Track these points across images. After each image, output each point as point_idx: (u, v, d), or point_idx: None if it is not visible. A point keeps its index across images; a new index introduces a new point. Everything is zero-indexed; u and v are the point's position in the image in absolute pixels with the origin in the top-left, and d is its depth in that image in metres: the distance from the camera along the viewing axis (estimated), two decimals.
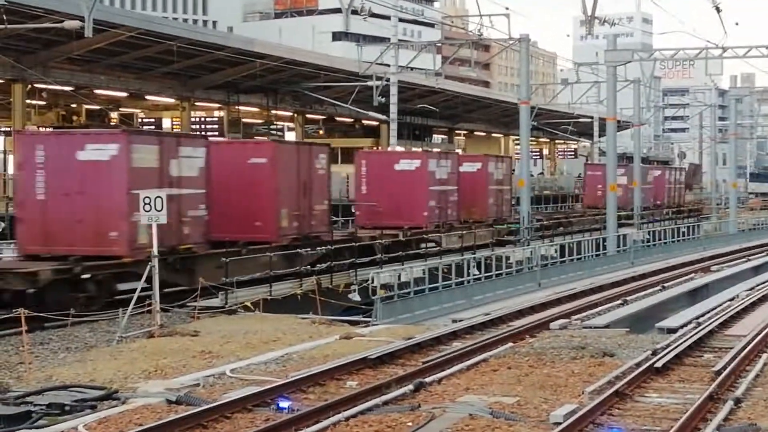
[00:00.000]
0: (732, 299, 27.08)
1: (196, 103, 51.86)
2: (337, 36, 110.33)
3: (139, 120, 53.45)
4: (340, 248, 31.15)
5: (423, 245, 37.31)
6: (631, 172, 59.82)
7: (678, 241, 52.20)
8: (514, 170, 52.21)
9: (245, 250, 27.06)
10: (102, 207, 22.82)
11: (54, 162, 23.17)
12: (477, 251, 35.79)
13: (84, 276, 22.37)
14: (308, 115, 61.51)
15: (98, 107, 48.65)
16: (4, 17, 27.56)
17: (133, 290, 21.47)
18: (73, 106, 49.84)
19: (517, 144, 63.63)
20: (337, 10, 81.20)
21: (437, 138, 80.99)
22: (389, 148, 48.28)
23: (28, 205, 23.47)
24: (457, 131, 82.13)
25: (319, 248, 30.00)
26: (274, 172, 28.72)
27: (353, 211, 41.14)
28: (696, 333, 19.83)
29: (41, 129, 42.62)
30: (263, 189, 28.45)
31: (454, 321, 23.30)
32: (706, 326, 20.87)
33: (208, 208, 25.80)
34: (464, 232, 39.87)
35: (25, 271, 21.63)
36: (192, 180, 25.10)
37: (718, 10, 46.13)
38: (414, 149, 61.60)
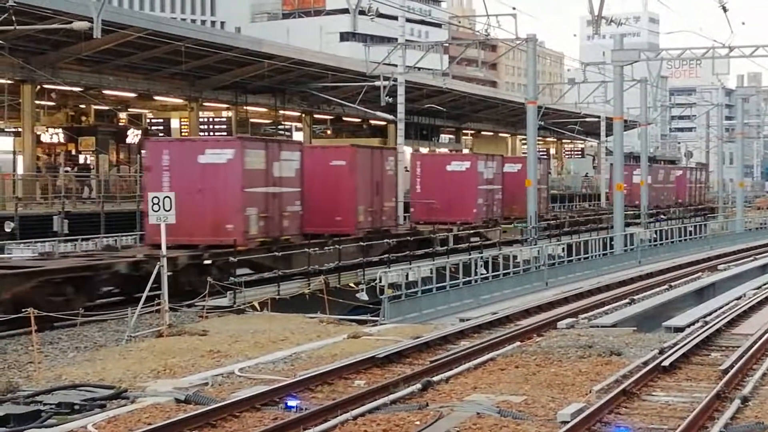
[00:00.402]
0: (739, 298, 27.09)
1: (204, 104, 51.99)
2: (344, 36, 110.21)
3: (148, 120, 53.55)
4: (406, 240, 34.69)
5: (474, 239, 40.26)
6: (654, 171, 60.71)
7: (685, 240, 52.16)
8: (550, 171, 55.47)
9: (330, 242, 30.18)
10: (220, 202, 26.07)
11: (178, 164, 26.35)
12: (484, 250, 35.92)
13: (207, 262, 25.40)
14: (316, 115, 61.59)
15: (107, 108, 48.81)
16: (14, 18, 27.67)
17: (245, 274, 25.13)
18: (82, 106, 50.05)
19: (524, 144, 63.62)
20: (345, 11, 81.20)
21: (444, 138, 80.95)
22: (397, 149, 48.31)
23: None
24: (464, 131, 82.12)
25: (389, 240, 33.57)
26: (353, 173, 32.43)
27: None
28: (703, 332, 19.85)
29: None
30: (343, 188, 32.15)
31: (462, 320, 23.33)
32: (713, 325, 20.89)
33: (301, 204, 29.05)
34: (510, 226, 43.63)
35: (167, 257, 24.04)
36: (290, 180, 28.50)
37: (724, 9, 46.06)
38: (422, 149, 61.63)
